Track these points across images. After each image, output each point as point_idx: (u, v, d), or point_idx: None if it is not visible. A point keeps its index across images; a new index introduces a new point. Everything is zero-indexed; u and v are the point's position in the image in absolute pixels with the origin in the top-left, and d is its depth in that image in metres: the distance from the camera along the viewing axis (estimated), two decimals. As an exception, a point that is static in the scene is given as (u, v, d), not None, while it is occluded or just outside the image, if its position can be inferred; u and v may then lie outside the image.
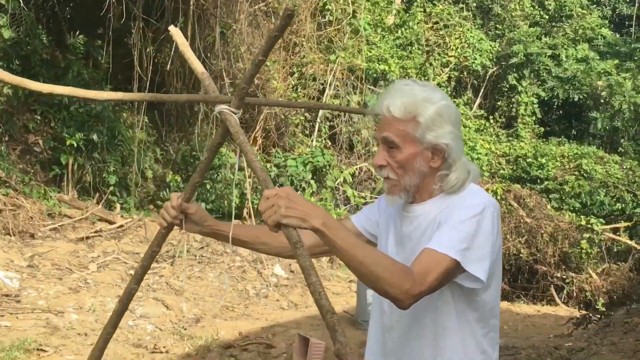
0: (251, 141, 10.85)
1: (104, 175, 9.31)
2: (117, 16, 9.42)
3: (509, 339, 8.35)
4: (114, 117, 9.53)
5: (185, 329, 7.43)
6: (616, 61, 13.47)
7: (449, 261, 1.88)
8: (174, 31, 2.35)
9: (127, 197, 9.82)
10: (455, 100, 13.92)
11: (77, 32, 10.05)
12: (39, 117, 9.17)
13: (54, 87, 2.38)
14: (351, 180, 11.21)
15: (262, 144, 10.87)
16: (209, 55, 10.59)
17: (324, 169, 10.14)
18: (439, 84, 13.34)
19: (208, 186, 10.07)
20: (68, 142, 8.68)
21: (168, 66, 10.02)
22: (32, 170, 9.21)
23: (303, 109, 11.05)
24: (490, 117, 14.22)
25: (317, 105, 10.90)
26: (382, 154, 2.03)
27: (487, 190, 11.89)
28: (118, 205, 9.39)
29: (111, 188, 9.31)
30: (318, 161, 10.10)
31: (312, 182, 10.15)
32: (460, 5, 13.60)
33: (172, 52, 9.85)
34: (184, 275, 8.94)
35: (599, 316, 7.78)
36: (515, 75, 13.68)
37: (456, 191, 2.04)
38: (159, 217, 2.33)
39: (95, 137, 8.89)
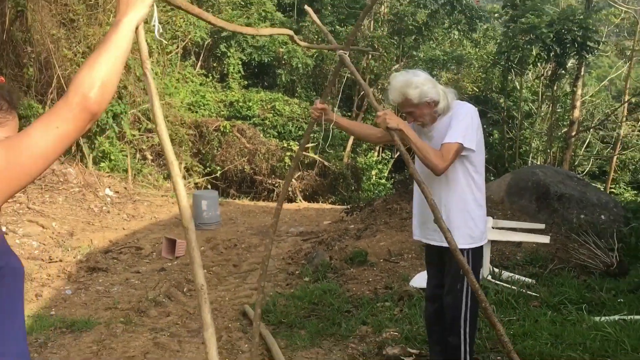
0: (49, 96, 13.64)
1: None
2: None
3: (305, 226, 9.97)
4: None
5: (65, 242, 8.19)
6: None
7: (458, 144, 3.31)
8: (308, 9, 3.86)
9: None
10: (183, 63, 17.01)
11: None
12: None
13: (220, 22, 2.78)
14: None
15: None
16: (12, 28, 13.04)
17: (122, 114, 13.46)
18: (171, 51, 16.38)
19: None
20: None
21: None
22: None
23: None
24: (209, 74, 17.49)
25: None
26: (409, 117, 3.46)
27: (217, 126, 15.88)
28: None
29: None
30: (116, 109, 13.26)
31: (115, 125, 12.56)
32: (181, -7, 16.95)
33: None
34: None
35: (363, 205, 9.80)
36: (225, 44, 17.14)
37: (446, 112, 3.46)
38: (311, 112, 3.72)
39: None
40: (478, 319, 3.74)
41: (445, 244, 3.28)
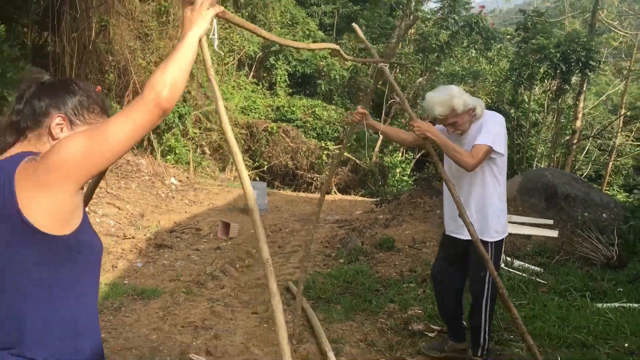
0: (126, 98, 13.82)
1: None
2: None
3: (340, 215, 9.76)
4: None
5: (137, 222, 8.16)
6: (329, 50, 18.18)
7: (487, 147, 3.20)
8: (355, 26, 3.74)
9: None
10: (237, 72, 16.91)
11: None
12: None
13: (274, 37, 2.63)
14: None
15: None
16: (97, 40, 13.26)
17: (186, 115, 13.30)
18: (227, 62, 16.34)
19: None
20: None
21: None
22: None
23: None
24: (260, 83, 17.41)
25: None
26: (450, 128, 3.37)
27: (265, 127, 16.14)
28: None
29: None
30: (181, 111, 13.26)
31: (180, 124, 12.85)
32: (238, 14, 15.89)
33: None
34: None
35: (390, 198, 9.50)
36: (274, 58, 17.04)
37: (480, 117, 3.36)
38: (352, 116, 3.60)
39: None
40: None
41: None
